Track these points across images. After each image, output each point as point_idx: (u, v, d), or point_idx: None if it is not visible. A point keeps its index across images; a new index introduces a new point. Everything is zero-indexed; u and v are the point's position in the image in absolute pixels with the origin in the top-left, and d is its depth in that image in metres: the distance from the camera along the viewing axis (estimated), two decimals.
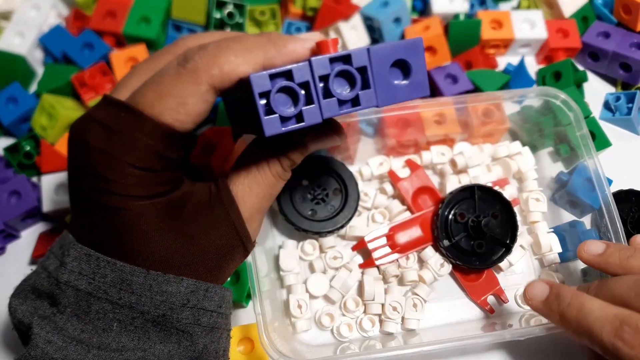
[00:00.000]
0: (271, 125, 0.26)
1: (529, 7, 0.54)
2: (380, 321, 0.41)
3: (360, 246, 0.42)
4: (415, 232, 0.42)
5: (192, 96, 0.27)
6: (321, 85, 0.27)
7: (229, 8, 0.50)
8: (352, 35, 0.50)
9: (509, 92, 0.44)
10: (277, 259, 0.42)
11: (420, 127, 0.45)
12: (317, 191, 0.43)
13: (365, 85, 0.27)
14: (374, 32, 0.50)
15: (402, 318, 0.41)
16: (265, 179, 0.31)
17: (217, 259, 0.30)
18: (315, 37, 0.29)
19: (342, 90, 0.27)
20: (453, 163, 0.45)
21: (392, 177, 0.44)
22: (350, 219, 0.42)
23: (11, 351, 0.41)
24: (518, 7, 0.55)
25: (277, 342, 0.36)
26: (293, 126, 0.27)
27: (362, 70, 0.27)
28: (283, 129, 0.27)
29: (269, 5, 0.52)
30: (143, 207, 0.28)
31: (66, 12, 0.55)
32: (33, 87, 0.52)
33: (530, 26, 0.51)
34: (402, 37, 0.50)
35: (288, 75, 0.26)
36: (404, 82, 0.28)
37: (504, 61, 0.52)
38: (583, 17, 0.52)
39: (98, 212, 0.28)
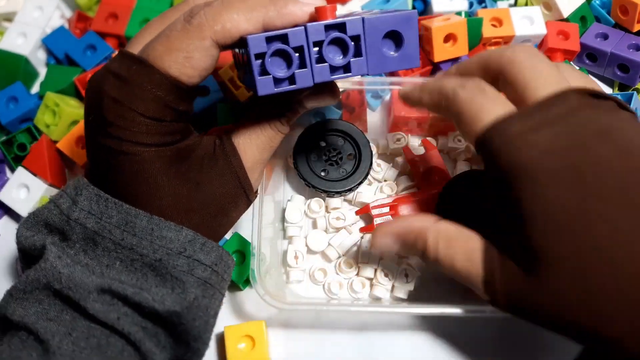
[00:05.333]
0: (264, 86, 0.28)
1: (526, 4, 0.55)
2: (371, 285, 0.42)
3: (364, 211, 0.43)
4: (418, 207, 0.43)
5: (197, 50, 0.29)
6: (315, 50, 0.28)
7: None
8: None
9: None
10: (284, 211, 0.43)
11: None
12: (332, 153, 0.43)
13: (358, 54, 0.29)
14: None
15: (392, 286, 0.41)
16: (264, 131, 0.34)
17: (221, 205, 0.33)
18: (315, 1, 0.30)
19: (334, 56, 0.28)
20: (468, 150, 0.46)
21: (407, 152, 0.45)
22: (359, 184, 0.43)
23: None
24: (515, 4, 0.56)
25: (268, 285, 0.37)
26: (285, 88, 0.28)
27: (356, 38, 0.28)
28: (276, 89, 0.28)
29: None
30: (152, 153, 0.30)
31: (69, 13, 0.56)
32: (35, 88, 0.52)
33: (529, 22, 0.51)
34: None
35: (284, 38, 0.27)
36: (395, 53, 0.29)
37: None
38: (581, 17, 0.53)
39: (110, 157, 0.30)
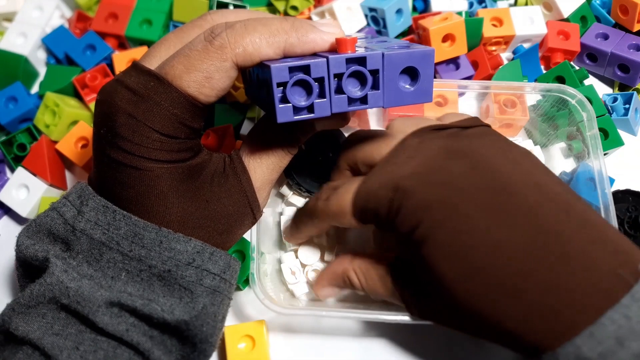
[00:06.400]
0: (284, 114, 0.28)
1: (526, 4, 0.55)
2: None
3: None
4: None
5: (217, 72, 0.29)
6: (334, 80, 0.28)
7: None
8: (347, 16, 0.50)
9: (528, 84, 0.45)
10: (279, 215, 0.43)
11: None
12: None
13: (375, 87, 0.29)
14: (378, 24, 0.51)
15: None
16: (275, 152, 0.34)
17: (228, 224, 0.33)
18: (335, 31, 0.30)
19: (353, 88, 0.29)
20: None
21: None
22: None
23: None
24: (515, 4, 0.56)
25: (267, 288, 0.37)
26: (304, 116, 0.29)
27: (374, 72, 0.29)
28: (295, 117, 0.29)
29: (268, 8, 0.52)
30: (164, 169, 0.30)
31: (69, 13, 0.56)
32: (35, 88, 0.52)
33: (530, 22, 0.52)
34: (410, 28, 0.51)
35: (306, 69, 0.28)
36: (411, 87, 0.30)
37: (504, 58, 0.53)
38: (582, 17, 0.53)
39: (120, 171, 0.30)
